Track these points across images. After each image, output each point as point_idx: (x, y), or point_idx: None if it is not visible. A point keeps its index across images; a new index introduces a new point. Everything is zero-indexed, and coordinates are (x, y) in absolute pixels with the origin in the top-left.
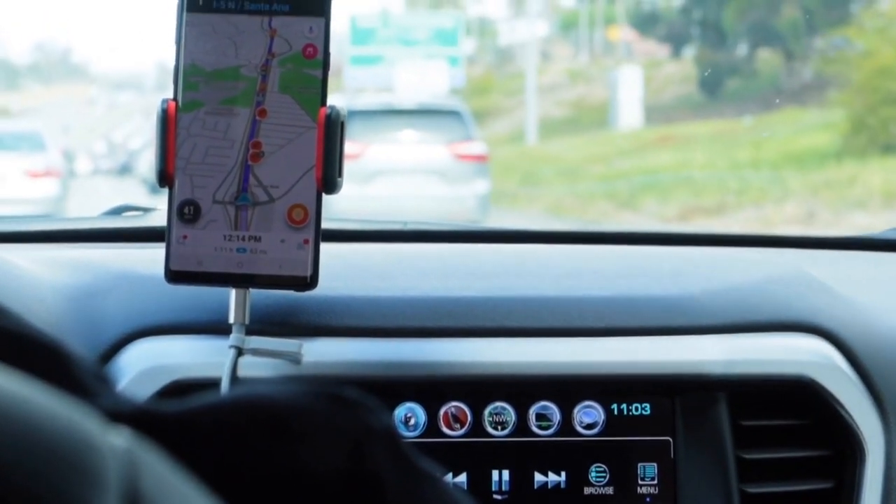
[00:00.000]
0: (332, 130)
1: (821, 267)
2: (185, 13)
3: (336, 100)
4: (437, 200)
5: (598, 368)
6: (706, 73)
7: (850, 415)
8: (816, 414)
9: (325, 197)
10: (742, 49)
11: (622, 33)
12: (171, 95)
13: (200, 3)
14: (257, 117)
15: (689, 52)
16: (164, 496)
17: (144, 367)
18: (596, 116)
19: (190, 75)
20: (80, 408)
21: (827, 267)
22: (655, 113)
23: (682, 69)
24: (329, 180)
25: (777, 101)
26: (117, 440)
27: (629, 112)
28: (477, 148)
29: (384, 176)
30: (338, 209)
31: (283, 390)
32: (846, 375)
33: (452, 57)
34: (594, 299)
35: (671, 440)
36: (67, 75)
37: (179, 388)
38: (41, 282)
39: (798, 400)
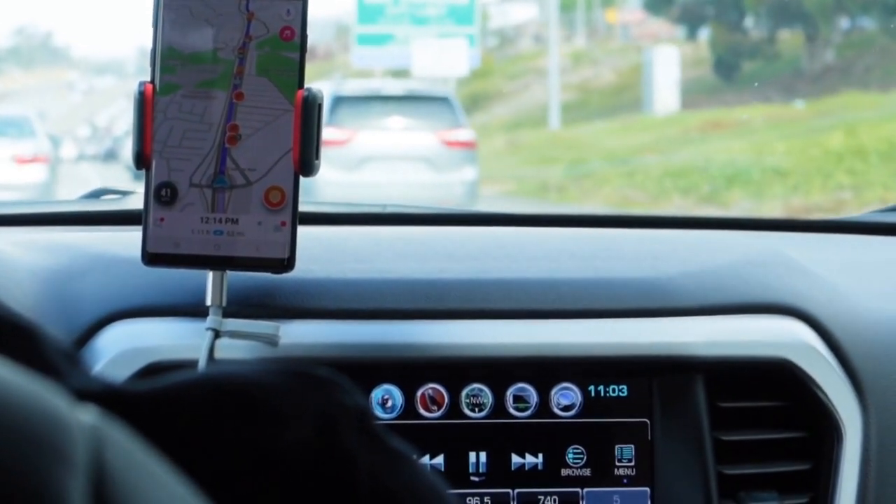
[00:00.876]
0: (310, 113)
1: (799, 249)
2: None
3: (323, 86)
4: (425, 187)
5: (575, 350)
6: (723, 55)
7: (827, 396)
8: (794, 396)
9: (312, 184)
10: (760, 30)
11: (622, 15)
12: (149, 78)
13: None
14: (234, 100)
15: (702, 34)
16: (130, 473)
17: (121, 349)
18: (606, 100)
19: (167, 58)
20: (49, 385)
21: (805, 249)
22: None
23: (695, 51)
24: (306, 163)
25: (755, 84)
26: (84, 417)
27: (665, 95)
28: (465, 135)
29: (372, 163)
30: (325, 195)
31: (255, 369)
32: (823, 357)
33: (469, 36)
34: (572, 281)
35: (648, 422)
36: (48, 59)
37: (156, 371)
38: (18, 264)
39: (776, 382)
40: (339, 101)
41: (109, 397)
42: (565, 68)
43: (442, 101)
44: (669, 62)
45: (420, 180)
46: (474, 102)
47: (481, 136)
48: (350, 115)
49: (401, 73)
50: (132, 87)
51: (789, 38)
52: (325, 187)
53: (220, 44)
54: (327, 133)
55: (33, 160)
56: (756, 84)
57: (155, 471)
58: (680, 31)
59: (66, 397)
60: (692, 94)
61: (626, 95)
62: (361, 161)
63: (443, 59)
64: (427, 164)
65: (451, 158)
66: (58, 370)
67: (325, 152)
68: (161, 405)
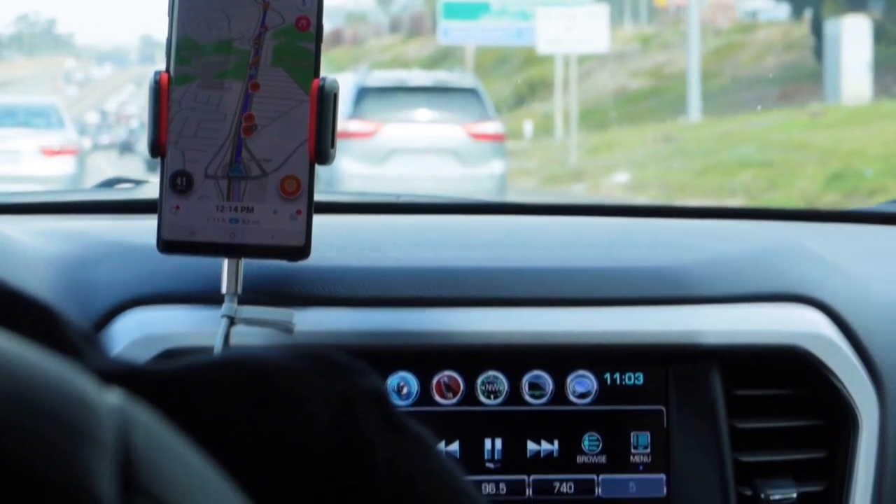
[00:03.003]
0: (325, 103)
1: (815, 239)
2: None
3: (347, 77)
4: (453, 181)
5: (591, 338)
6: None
7: (843, 385)
8: (810, 384)
9: (337, 178)
10: (877, 7)
11: None
12: (159, 68)
13: None
14: (250, 90)
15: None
16: (156, 454)
17: (137, 336)
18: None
19: (182, 48)
20: (73, 367)
21: (821, 239)
22: (760, 85)
23: (785, 33)
24: (322, 152)
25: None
26: (111, 398)
27: (855, 78)
28: (493, 127)
29: (398, 155)
30: (350, 189)
31: (274, 352)
32: (839, 346)
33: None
34: (588, 270)
35: (664, 409)
36: (51, 47)
37: (171, 358)
38: (33, 252)
39: (792, 370)
40: (364, 92)
41: (130, 378)
42: (632, 53)
43: (470, 92)
44: (860, 38)
45: (447, 174)
46: (532, 90)
47: (545, 126)
48: (375, 106)
49: (444, 58)
50: (134, 75)
51: None
52: (350, 180)
53: (235, 34)
54: (352, 125)
55: (61, 152)
56: None
57: (180, 452)
58: (741, 11)
59: (91, 379)
60: (790, 81)
61: (714, 82)
62: (387, 154)
63: (576, 33)
64: (454, 158)
65: (479, 152)
66: (78, 351)
67: (350, 145)
68: (181, 386)
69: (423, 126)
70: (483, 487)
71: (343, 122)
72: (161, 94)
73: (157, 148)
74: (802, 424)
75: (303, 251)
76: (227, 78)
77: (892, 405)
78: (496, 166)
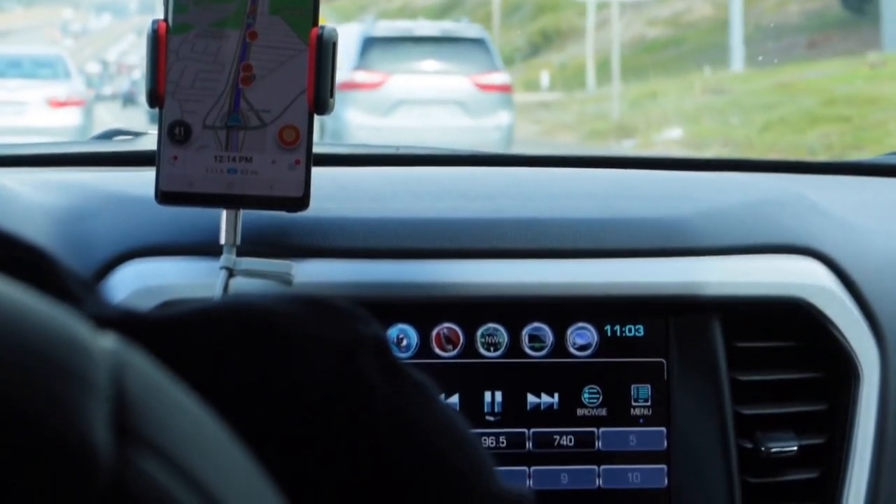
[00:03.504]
0: (324, 52)
1: (816, 190)
2: None
3: (353, 28)
4: (459, 132)
5: (591, 290)
6: None
7: (844, 337)
8: (811, 336)
9: (343, 129)
10: None
11: None
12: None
13: None
14: (248, 40)
15: None
16: (150, 398)
17: (135, 287)
18: (707, 37)
19: None
20: (68, 311)
21: (822, 191)
22: (786, 34)
23: None
24: (321, 102)
25: None
26: (105, 342)
27: None
28: (500, 78)
29: (405, 107)
30: (357, 141)
31: (273, 298)
32: (840, 298)
33: None
34: (588, 221)
35: (665, 362)
36: None
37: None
38: (31, 204)
39: (793, 322)
40: (370, 42)
41: (126, 323)
42: (649, 1)
43: (477, 43)
44: None
45: (454, 125)
46: (546, 40)
47: (562, 76)
48: (382, 57)
49: (453, 7)
50: (135, 24)
51: None
52: (356, 132)
53: None
54: (359, 76)
55: (67, 103)
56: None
57: (175, 396)
58: None
59: (86, 323)
60: (816, 30)
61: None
62: (394, 105)
63: None
64: (461, 109)
65: (486, 103)
66: (75, 297)
67: (356, 96)
68: (179, 331)
69: (430, 77)
70: (483, 440)
71: (349, 73)
72: (159, 44)
73: (155, 98)
74: (803, 377)
75: (302, 202)
76: (226, 27)
77: (893, 357)
78: (503, 117)
